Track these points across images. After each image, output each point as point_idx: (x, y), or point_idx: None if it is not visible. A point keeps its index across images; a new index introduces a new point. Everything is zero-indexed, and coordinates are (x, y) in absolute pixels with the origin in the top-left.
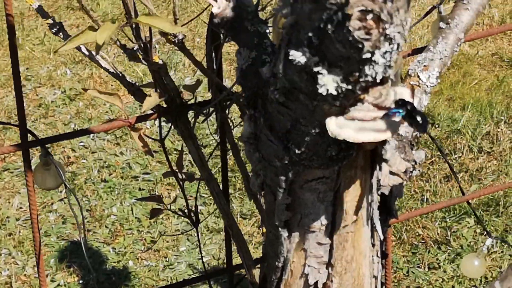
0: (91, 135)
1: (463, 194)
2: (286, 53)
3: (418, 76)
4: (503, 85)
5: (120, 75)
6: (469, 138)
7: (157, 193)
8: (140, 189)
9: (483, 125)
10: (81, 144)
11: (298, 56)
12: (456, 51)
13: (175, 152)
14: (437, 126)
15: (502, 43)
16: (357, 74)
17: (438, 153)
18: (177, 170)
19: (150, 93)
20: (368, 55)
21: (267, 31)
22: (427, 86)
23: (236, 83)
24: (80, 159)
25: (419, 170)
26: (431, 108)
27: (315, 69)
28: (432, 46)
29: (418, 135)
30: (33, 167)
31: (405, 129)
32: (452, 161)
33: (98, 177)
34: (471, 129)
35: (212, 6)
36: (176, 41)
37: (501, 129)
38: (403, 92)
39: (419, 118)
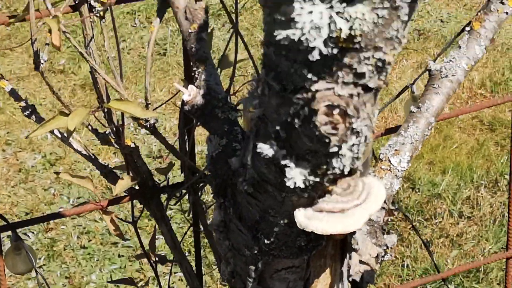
0: (70, 200)
1: (438, 271)
2: (254, 145)
3: (389, 161)
4: (483, 149)
5: (93, 157)
6: (450, 202)
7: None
8: (119, 256)
9: (463, 190)
10: (61, 209)
11: (265, 149)
12: (427, 135)
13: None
14: (417, 190)
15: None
16: (324, 167)
17: (419, 217)
18: (150, 252)
19: (123, 176)
20: (335, 149)
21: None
22: (398, 170)
23: (206, 170)
24: (60, 225)
25: (390, 255)
26: (411, 172)
27: (283, 162)
28: (403, 130)
29: (389, 220)
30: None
31: (376, 214)
32: (432, 226)
33: (78, 243)
34: (451, 193)
35: (183, 93)
36: (148, 125)
37: (481, 194)
38: (372, 183)
39: None
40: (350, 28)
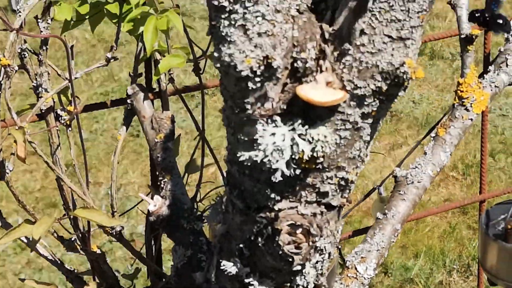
0: None
1: None
2: (218, 261)
3: (356, 268)
4: (455, 232)
5: (59, 262)
6: (422, 287)
7: None
8: None
9: (435, 274)
10: None
11: (229, 266)
12: (393, 241)
13: None
14: (390, 275)
15: (454, 189)
16: (288, 284)
17: None
18: None
19: (89, 282)
20: (298, 267)
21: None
22: (365, 278)
23: (171, 280)
24: None
25: None
26: None
27: (247, 280)
28: (369, 237)
29: None
30: None
31: None
32: None
33: None
34: (423, 278)
35: (148, 204)
36: (114, 233)
37: (454, 278)
38: None
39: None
40: (313, 150)
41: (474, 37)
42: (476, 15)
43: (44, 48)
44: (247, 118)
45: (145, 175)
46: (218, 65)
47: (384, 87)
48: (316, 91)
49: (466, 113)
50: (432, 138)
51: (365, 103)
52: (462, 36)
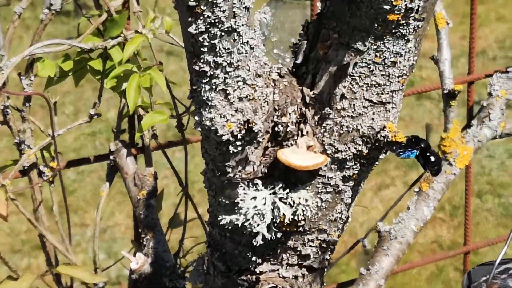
0: None
1: None
2: None
3: None
4: (442, 274)
5: None
6: None
7: None
8: None
9: None
10: None
11: None
12: None
13: None
14: None
15: (441, 230)
16: None
17: None
18: None
19: None
20: None
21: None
22: None
23: None
24: None
25: None
26: None
27: None
28: None
29: None
30: None
31: None
32: None
33: None
34: None
35: (131, 261)
36: None
37: None
38: None
39: (433, 158)
40: (294, 213)
41: (456, 92)
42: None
43: (27, 105)
44: (228, 182)
45: (131, 217)
46: (199, 129)
47: (365, 151)
48: (297, 155)
49: (450, 168)
50: (415, 193)
51: (346, 166)
52: (445, 91)
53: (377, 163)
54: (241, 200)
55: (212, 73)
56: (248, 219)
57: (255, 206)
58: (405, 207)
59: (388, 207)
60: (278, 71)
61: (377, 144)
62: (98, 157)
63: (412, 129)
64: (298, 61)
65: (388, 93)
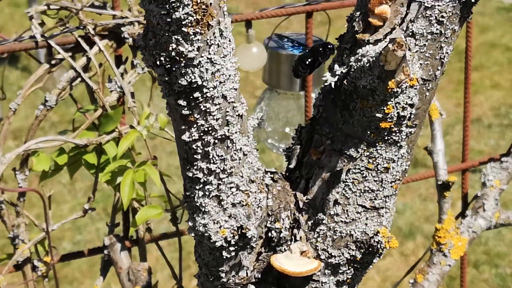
0: None
1: None
2: None
3: None
4: None
5: None
6: None
7: None
8: None
9: None
10: None
11: None
12: None
13: None
14: None
15: None
16: None
17: None
18: None
19: None
20: None
21: None
22: None
23: None
24: None
25: None
26: None
27: None
28: None
29: None
30: None
31: None
32: None
33: None
34: None
35: None
36: None
37: None
38: None
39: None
40: None
41: (450, 184)
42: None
43: (22, 199)
44: (221, 286)
45: None
46: (193, 234)
47: (359, 256)
48: (290, 261)
49: (444, 259)
50: (410, 285)
51: (340, 271)
52: (439, 182)
53: (371, 266)
54: None
55: (205, 179)
56: None
57: None
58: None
59: (384, 278)
60: (272, 175)
61: (370, 249)
62: (92, 250)
63: (409, 197)
64: (291, 166)
65: (381, 198)
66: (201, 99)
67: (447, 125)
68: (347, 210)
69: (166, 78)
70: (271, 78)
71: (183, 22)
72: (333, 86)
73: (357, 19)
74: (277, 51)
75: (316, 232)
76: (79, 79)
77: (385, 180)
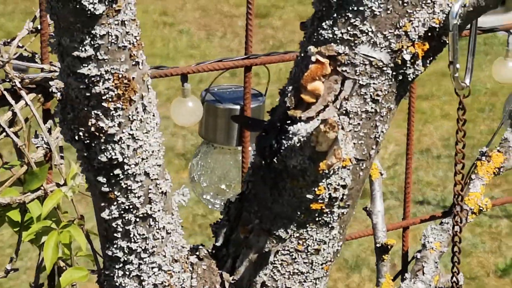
0: None
1: None
2: None
3: None
4: None
5: None
6: None
7: None
8: None
9: None
10: None
11: None
12: None
13: None
14: None
15: None
16: None
17: None
18: None
19: None
20: None
21: None
22: None
23: None
24: None
25: None
26: None
27: None
28: None
29: None
30: None
31: None
32: None
33: None
34: None
35: None
36: None
37: None
38: None
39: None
40: None
41: (389, 247)
42: None
43: None
44: None
45: None
46: None
47: None
48: None
49: None
50: None
51: None
52: (378, 245)
53: None
54: None
55: (125, 258)
56: None
57: None
58: None
59: None
60: (197, 253)
61: None
62: None
63: (356, 228)
64: (218, 244)
65: (311, 281)
66: (122, 176)
67: (397, 154)
68: None
69: (85, 154)
70: (208, 132)
71: (103, 97)
72: (263, 163)
73: (289, 94)
74: (214, 104)
75: None
76: (4, 133)
77: (316, 262)
